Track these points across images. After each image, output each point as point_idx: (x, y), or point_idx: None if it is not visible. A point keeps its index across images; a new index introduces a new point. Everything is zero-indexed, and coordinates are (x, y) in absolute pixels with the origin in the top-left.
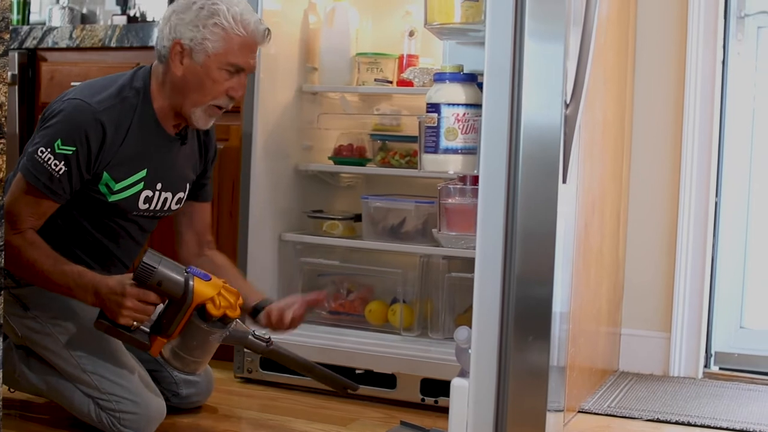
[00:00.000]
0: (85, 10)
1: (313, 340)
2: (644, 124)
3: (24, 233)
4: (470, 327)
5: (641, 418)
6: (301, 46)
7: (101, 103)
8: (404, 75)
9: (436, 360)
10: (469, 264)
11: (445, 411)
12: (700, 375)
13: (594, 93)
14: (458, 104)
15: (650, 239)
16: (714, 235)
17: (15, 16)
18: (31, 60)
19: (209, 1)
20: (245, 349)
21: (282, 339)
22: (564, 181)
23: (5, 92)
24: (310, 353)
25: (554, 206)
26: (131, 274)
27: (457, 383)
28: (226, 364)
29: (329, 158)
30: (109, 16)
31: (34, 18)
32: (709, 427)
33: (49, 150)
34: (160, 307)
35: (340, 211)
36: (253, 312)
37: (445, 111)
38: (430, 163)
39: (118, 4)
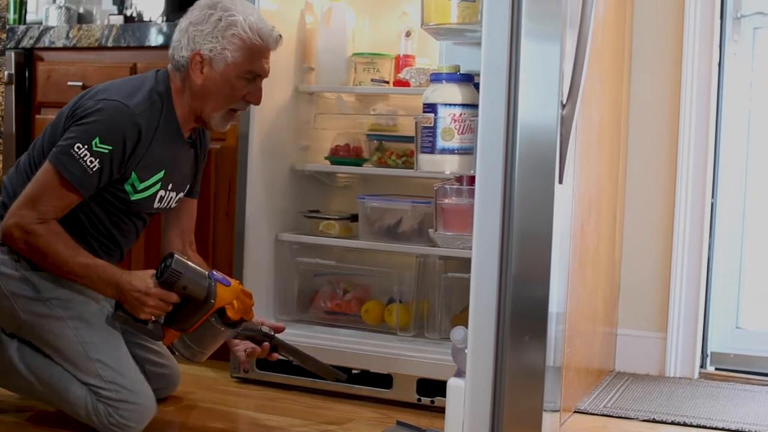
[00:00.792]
0: (81, 10)
1: (309, 340)
2: (640, 125)
3: (48, 223)
4: (466, 327)
5: (637, 418)
6: (298, 46)
7: (138, 106)
8: (401, 75)
9: (432, 360)
10: (465, 264)
11: (441, 411)
12: (696, 375)
13: (590, 93)
14: (455, 104)
15: (646, 239)
16: (710, 236)
17: (12, 16)
18: (28, 59)
19: (226, 13)
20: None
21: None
22: (560, 182)
23: (2, 91)
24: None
25: (550, 206)
26: (153, 272)
27: (453, 383)
28: (223, 364)
29: (326, 158)
30: (105, 15)
31: (30, 17)
32: (705, 427)
33: (86, 147)
34: None
35: (336, 211)
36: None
37: (442, 111)
38: (427, 163)
39: (114, 3)
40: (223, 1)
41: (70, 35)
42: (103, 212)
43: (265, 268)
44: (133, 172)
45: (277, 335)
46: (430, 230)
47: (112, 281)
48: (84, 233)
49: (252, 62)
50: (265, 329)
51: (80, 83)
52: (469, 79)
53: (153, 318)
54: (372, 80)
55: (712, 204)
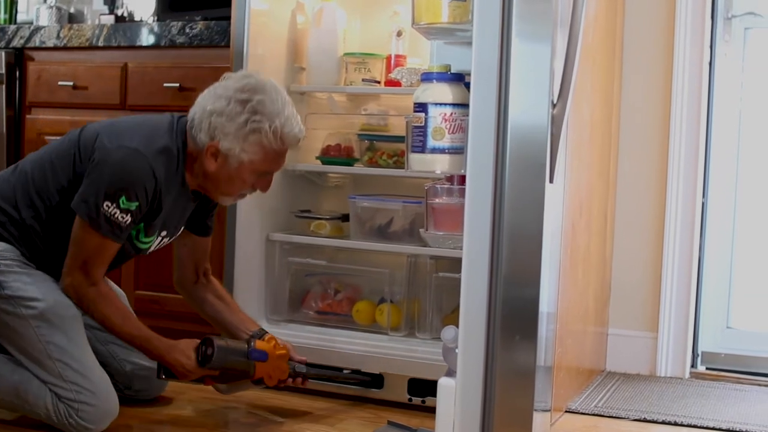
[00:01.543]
0: (72, 10)
1: (300, 340)
2: (631, 125)
3: (98, 286)
4: (457, 327)
5: (628, 417)
6: (289, 46)
7: (156, 159)
8: (392, 75)
9: (423, 360)
10: (456, 264)
11: (432, 411)
12: (687, 375)
13: (581, 93)
14: (445, 104)
15: (637, 239)
16: (701, 236)
17: (2, 16)
18: (19, 59)
19: (253, 116)
20: None
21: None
22: (551, 181)
23: None
24: (297, 353)
25: (541, 206)
26: (195, 344)
27: (444, 383)
28: None
29: (317, 158)
30: (96, 15)
31: (21, 17)
32: (695, 426)
33: (114, 205)
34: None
35: (327, 211)
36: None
37: (433, 111)
38: (418, 162)
39: (105, 3)
40: (254, 97)
41: (61, 35)
42: None
43: (257, 268)
44: (141, 224)
45: (305, 366)
46: (421, 230)
47: (155, 353)
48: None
49: (268, 164)
50: (299, 368)
51: (71, 83)
52: (460, 79)
53: None
54: (363, 80)
55: (703, 203)
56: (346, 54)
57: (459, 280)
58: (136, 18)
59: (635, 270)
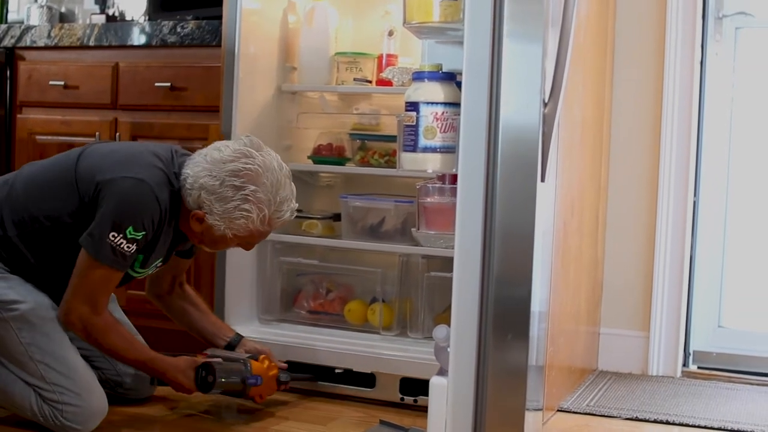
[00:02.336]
0: (63, 9)
1: (292, 340)
2: (623, 124)
3: (104, 315)
4: (449, 326)
5: (620, 416)
6: (281, 46)
7: (161, 190)
8: (383, 74)
9: (415, 359)
10: (448, 263)
11: (424, 410)
12: (679, 374)
13: (573, 92)
14: (437, 103)
15: (629, 239)
16: (692, 235)
17: None
18: (9, 59)
19: (243, 204)
20: None
21: (261, 338)
22: (543, 180)
23: None
24: (289, 352)
25: (533, 205)
26: (195, 363)
27: (436, 381)
28: None
29: (308, 157)
30: (87, 15)
31: (12, 17)
32: (687, 425)
33: (121, 235)
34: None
35: (319, 211)
36: (226, 347)
37: (424, 110)
38: (409, 161)
39: (96, 3)
40: (248, 187)
41: (52, 34)
42: None
43: (248, 268)
44: (141, 256)
45: (287, 373)
46: (412, 229)
47: (158, 372)
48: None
49: (253, 239)
50: (284, 378)
51: (62, 82)
52: (452, 78)
53: None
54: (355, 79)
55: (694, 203)
56: (337, 53)
57: (451, 279)
58: (128, 17)
59: (627, 269)
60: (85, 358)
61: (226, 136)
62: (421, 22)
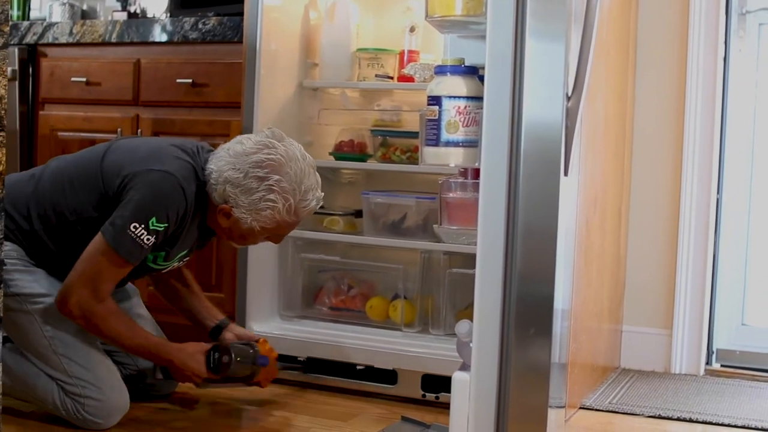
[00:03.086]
0: (85, 6)
1: (313, 336)
2: (645, 121)
3: (107, 303)
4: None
5: (643, 414)
6: (302, 42)
7: (189, 184)
8: (405, 71)
9: (437, 356)
10: (470, 260)
11: (446, 407)
12: (702, 372)
13: (595, 87)
14: (459, 97)
15: (652, 236)
16: (715, 232)
17: (15, 12)
18: (32, 55)
19: (268, 194)
20: None
21: (283, 334)
22: (565, 174)
23: (5, 85)
24: (310, 349)
25: (556, 199)
26: (204, 348)
27: (458, 376)
28: None
29: (330, 154)
30: (109, 12)
31: (34, 14)
32: (711, 423)
33: (143, 226)
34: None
35: (340, 207)
36: (213, 332)
37: (446, 104)
38: (431, 155)
39: (118, 0)
40: (272, 177)
41: (74, 31)
42: None
43: (270, 264)
44: (165, 249)
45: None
46: (434, 225)
47: (164, 358)
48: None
49: (281, 230)
50: (285, 365)
51: (84, 79)
52: (474, 72)
53: None
54: (376, 76)
55: (717, 200)
56: (359, 49)
57: (473, 276)
58: (149, 15)
59: (650, 267)
60: (107, 353)
61: (247, 132)
62: (443, 16)
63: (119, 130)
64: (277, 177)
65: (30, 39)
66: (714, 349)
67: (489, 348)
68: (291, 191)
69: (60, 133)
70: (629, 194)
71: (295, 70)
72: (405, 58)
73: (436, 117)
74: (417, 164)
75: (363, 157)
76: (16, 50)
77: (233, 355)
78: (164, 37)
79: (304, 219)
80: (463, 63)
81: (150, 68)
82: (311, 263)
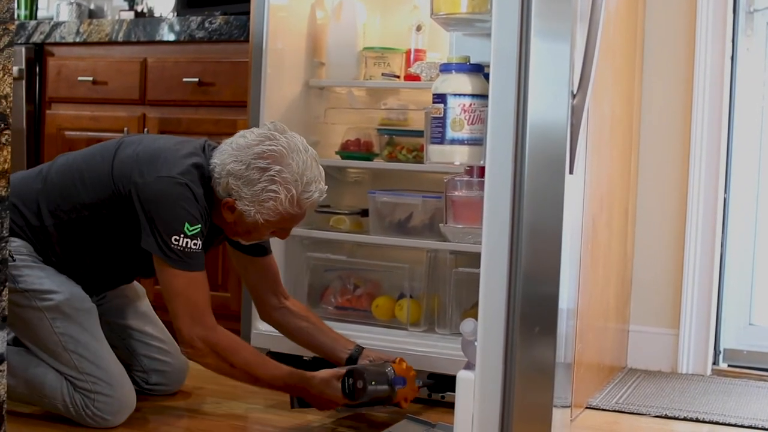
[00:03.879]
0: (92, 6)
1: None
2: (652, 120)
3: (220, 330)
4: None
5: (649, 414)
6: (308, 41)
7: (197, 186)
8: (411, 69)
9: (442, 355)
10: (476, 259)
11: (451, 406)
12: (709, 372)
13: (602, 86)
14: (464, 95)
15: (658, 235)
16: (722, 232)
17: (23, 12)
18: (39, 55)
19: (271, 185)
20: None
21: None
22: (571, 172)
23: (10, 83)
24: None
25: (561, 199)
26: (338, 374)
27: (463, 375)
28: None
29: (336, 153)
30: (116, 11)
31: (41, 13)
32: (718, 423)
33: (182, 235)
34: None
35: (347, 206)
36: (348, 361)
37: (452, 101)
38: (436, 153)
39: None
40: (273, 167)
41: (81, 30)
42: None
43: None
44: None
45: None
46: (440, 224)
47: (298, 386)
48: (109, 271)
49: (285, 223)
50: (426, 382)
51: (90, 78)
52: (479, 69)
53: None
54: (383, 75)
55: (724, 199)
56: (365, 48)
57: (479, 275)
58: (156, 14)
59: (656, 266)
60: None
61: None
62: (448, 14)
63: (126, 129)
64: (278, 167)
65: (37, 38)
66: (721, 349)
67: (494, 347)
68: (293, 182)
69: (67, 133)
70: (636, 193)
71: (301, 69)
72: (411, 56)
73: (441, 115)
74: (423, 163)
75: (369, 156)
76: (24, 49)
77: (367, 379)
78: (171, 37)
79: (310, 218)
80: (469, 61)
81: (157, 67)
82: (317, 262)
